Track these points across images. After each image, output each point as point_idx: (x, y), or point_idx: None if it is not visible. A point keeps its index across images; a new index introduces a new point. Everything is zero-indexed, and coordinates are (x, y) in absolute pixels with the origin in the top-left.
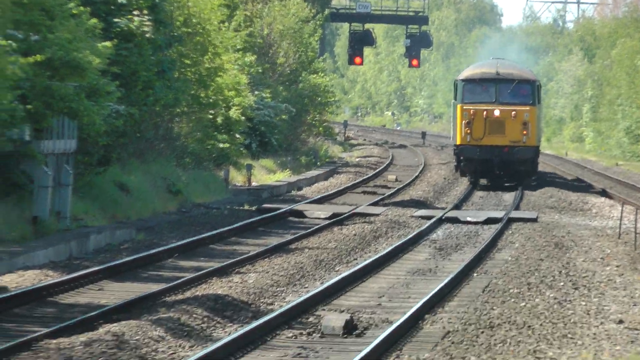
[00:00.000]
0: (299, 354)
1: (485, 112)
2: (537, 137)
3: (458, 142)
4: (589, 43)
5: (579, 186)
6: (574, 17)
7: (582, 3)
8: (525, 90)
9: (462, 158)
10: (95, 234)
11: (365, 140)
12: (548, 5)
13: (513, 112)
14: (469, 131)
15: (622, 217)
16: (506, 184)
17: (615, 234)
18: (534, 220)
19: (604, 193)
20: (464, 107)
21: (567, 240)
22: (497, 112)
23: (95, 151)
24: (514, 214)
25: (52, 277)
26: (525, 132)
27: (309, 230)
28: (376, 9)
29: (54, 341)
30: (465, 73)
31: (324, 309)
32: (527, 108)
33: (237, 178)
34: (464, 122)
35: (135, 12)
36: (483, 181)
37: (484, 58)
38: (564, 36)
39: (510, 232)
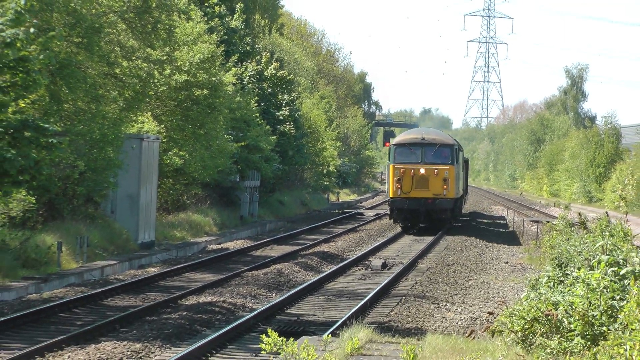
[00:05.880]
0: (361, 277)
1: (412, 171)
2: (456, 191)
3: (391, 195)
4: (492, 135)
5: (488, 200)
6: (486, 123)
7: (489, 118)
8: (445, 153)
9: (394, 208)
10: (268, 224)
11: None
12: (473, 119)
13: (435, 170)
14: (399, 186)
15: (507, 215)
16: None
17: (505, 224)
18: (467, 218)
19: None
20: (395, 167)
21: (483, 227)
22: (422, 170)
23: (268, 186)
24: (458, 215)
25: (249, 243)
26: (445, 187)
27: (365, 222)
28: (395, 121)
29: (250, 273)
30: (397, 139)
31: (372, 257)
32: (447, 167)
33: (332, 198)
34: (395, 179)
35: (287, 122)
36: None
37: None
38: (481, 132)
39: (457, 223)
